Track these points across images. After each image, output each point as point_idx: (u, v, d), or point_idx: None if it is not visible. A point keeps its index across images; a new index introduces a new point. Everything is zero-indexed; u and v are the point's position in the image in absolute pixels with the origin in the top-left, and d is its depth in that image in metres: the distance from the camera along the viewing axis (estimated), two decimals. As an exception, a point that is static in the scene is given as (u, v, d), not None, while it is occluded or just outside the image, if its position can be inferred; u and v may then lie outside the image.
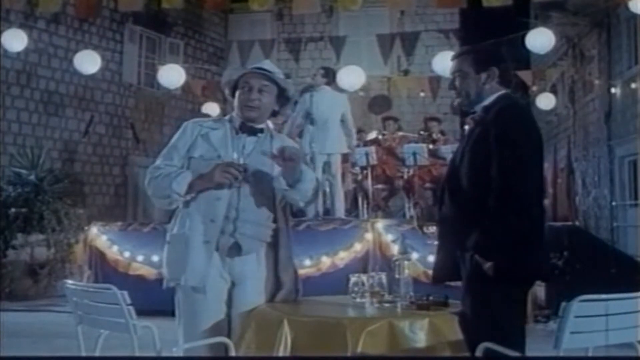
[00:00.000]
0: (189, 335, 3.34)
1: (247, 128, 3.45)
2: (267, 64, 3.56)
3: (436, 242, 3.24)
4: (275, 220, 3.45)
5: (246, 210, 3.35)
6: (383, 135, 11.14)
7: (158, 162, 3.46)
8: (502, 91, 3.12)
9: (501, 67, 3.13)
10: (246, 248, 3.36)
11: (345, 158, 9.54)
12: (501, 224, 2.84)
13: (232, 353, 3.17)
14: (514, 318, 2.97)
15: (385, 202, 11.08)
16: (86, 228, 9.30)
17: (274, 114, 3.59)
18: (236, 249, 3.35)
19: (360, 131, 11.22)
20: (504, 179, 2.85)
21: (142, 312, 3.14)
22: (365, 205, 10.50)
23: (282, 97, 3.52)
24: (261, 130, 3.49)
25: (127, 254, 8.56)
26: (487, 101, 3.09)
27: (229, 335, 3.31)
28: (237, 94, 3.47)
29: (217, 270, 3.35)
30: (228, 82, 3.53)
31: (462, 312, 3.03)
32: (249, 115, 3.44)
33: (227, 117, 3.56)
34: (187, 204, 3.40)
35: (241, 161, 3.32)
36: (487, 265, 2.86)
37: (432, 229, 3.27)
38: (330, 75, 9.11)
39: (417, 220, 3.36)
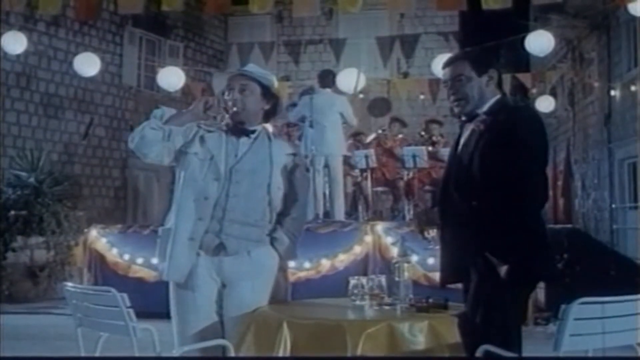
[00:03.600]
0: (181, 334, 3.39)
1: (240, 130, 3.50)
2: (250, 66, 3.66)
3: (437, 247, 3.23)
4: (270, 221, 3.47)
5: (234, 210, 3.38)
6: (383, 130, 11.13)
7: None
8: (499, 94, 3.13)
9: (498, 69, 3.16)
10: (232, 248, 3.37)
11: (345, 160, 9.55)
12: (516, 226, 2.85)
13: (232, 355, 3.17)
14: (517, 319, 2.98)
15: (392, 210, 11.07)
16: (86, 230, 9.30)
17: (268, 115, 3.62)
18: (222, 249, 3.37)
19: (359, 134, 11.23)
20: (521, 184, 2.86)
21: (141, 315, 3.14)
22: (365, 208, 10.50)
23: (268, 94, 3.56)
24: (252, 132, 3.52)
25: (126, 257, 8.56)
26: (488, 105, 3.08)
27: (222, 337, 3.33)
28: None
29: (206, 270, 3.38)
30: (222, 91, 3.58)
31: (462, 314, 3.03)
32: (235, 116, 3.49)
33: (223, 122, 3.60)
34: (177, 198, 3.46)
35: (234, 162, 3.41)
36: (504, 268, 2.85)
37: (433, 233, 3.24)
38: (327, 78, 9.12)
39: (417, 224, 3.33)
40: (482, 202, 2.95)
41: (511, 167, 2.88)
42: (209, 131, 3.52)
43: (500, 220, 2.87)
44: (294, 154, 3.62)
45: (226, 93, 3.51)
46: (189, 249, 3.36)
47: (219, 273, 3.40)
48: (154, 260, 7.90)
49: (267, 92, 3.55)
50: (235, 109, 3.47)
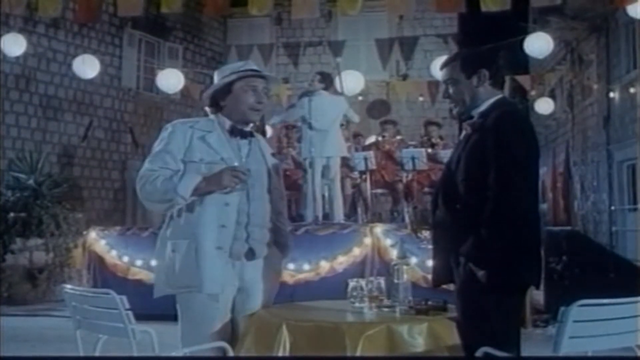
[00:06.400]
0: (192, 339, 3.29)
1: (239, 131, 3.44)
2: (255, 65, 3.57)
3: (430, 247, 3.23)
4: (270, 221, 3.48)
5: (255, 214, 3.35)
6: (383, 137, 11.14)
7: (150, 165, 3.33)
8: (498, 95, 3.10)
9: (491, 69, 3.10)
10: (258, 252, 3.37)
11: (344, 162, 9.54)
12: (496, 232, 2.82)
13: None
14: (508, 324, 2.94)
15: (391, 213, 11.06)
16: (85, 232, 9.28)
17: None
18: (250, 255, 3.35)
19: (358, 135, 11.22)
20: (500, 188, 2.83)
21: (140, 317, 3.13)
22: (364, 210, 10.49)
23: (267, 96, 3.57)
24: (251, 134, 3.49)
25: (125, 259, 8.54)
26: (484, 106, 3.07)
27: (232, 340, 3.31)
28: (238, 95, 3.40)
29: (227, 278, 3.31)
30: (226, 83, 3.43)
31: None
32: (255, 118, 3.46)
33: (212, 118, 3.48)
34: (190, 209, 3.29)
35: (242, 164, 3.32)
36: (481, 273, 2.84)
37: (426, 233, 3.25)
38: (327, 80, 9.11)
39: (411, 224, 3.34)
40: (464, 206, 2.96)
41: (491, 170, 2.86)
42: (208, 131, 3.39)
43: (478, 225, 2.85)
44: (272, 154, 3.64)
45: (248, 93, 3.40)
46: (219, 258, 3.25)
47: (241, 278, 3.34)
48: (154, 262, 7.91)
49: (267, 94, 3.55)
50: (258, 111, 3.44)
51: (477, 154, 2.94)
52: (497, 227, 2.82)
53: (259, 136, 3.63)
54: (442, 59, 3.42)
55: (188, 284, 3.26)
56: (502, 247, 2.81)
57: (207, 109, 3.51)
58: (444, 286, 3.15)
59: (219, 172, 3.23)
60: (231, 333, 3.36)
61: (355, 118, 9.38)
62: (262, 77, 3.47)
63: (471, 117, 3.09)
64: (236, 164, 3.30)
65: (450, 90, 3.15)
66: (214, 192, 3.26)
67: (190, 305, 3.31)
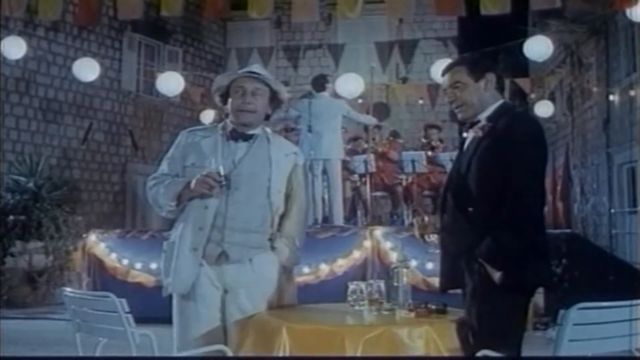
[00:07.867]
0: (182, 343, 3.37)
1: (239, 134, 3.46)
2: (257, 68, 3.58)
3: (437, 251, 3.22)
4: (272, 225, 3.46)
5: (235, 218, 3.35)
6: (373, 140, 11.13)
7: (155, 173, 3.54)
8: (500, 99, 3.12)
9: (496, 72, 3.13)
10: (234, 256, 3.35)
11: (344, 165, 9.54)
12: (512, 235, 2.83)
13: None
14: (518, 326, 2.97)
15: (391, 215, 11.05)
16: (85, 235, 9.28)
17: (267, 118, 3.59)
18: (224, 258, 3.35)
19: (357, 139, 11.22)
20: (516, 192, 2.85)
21: (140, 320, 3.14)
22: (364, 213, 10.49)
23: (275, 100, 3.55)
24: (251, 136, 3.48)
25: (125, 262, 8.55)
26: (490, 110, 3.08)
27: (224, 343, 3.31)
28: (230, 99, 3.48)
29: (208, 279, 3.35)
30: (218, 89, 3.54)
31: (461, 319, 3.03)
32: (245, 119, 3.45)
33: (220, 125, 3.56)
34: (181, 213, 3.45)
35: (222, 169, 3.31)
36: (497, 275, 2.85)
37: (433, 238, 3.24)
38: (319, 83, 9.10)
39: (418, 229, 3.32)
40: (477, 209, 2.95)
41: (506, 174, 2.87)
42: (205, 136, 3.49)
43: (494, 227, 2.86)
44: (295, 153, 3.61)
45: (237, 94, 3.43)
46: (192, 259, 3.34)
47: (221, 281, 3.38)
48: (153, 265, 7.94)
49: (274, 97, 3.53)
50: (246, 111, 3.42)
51: (490, 159, 2.95)
52: (513, 230, 2.84)
53: (276, 139, 3.63)
54: (442, 62, 3.45)
55: (167, 283, 3.43)
56: (518, 249, 2.84)
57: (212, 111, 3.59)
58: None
59: (194, 179, 3.32)
60: (223, 336, 3.37)
61: (364, 119, 9.29)
62: (254, 78, 3.45)
63: (477, 122, 3.09)
64: (213, 167, 3.33)
65: (458, 95, 3.14)
66: (197, 198, 3.36)
67: (177, 306, 3.44)
